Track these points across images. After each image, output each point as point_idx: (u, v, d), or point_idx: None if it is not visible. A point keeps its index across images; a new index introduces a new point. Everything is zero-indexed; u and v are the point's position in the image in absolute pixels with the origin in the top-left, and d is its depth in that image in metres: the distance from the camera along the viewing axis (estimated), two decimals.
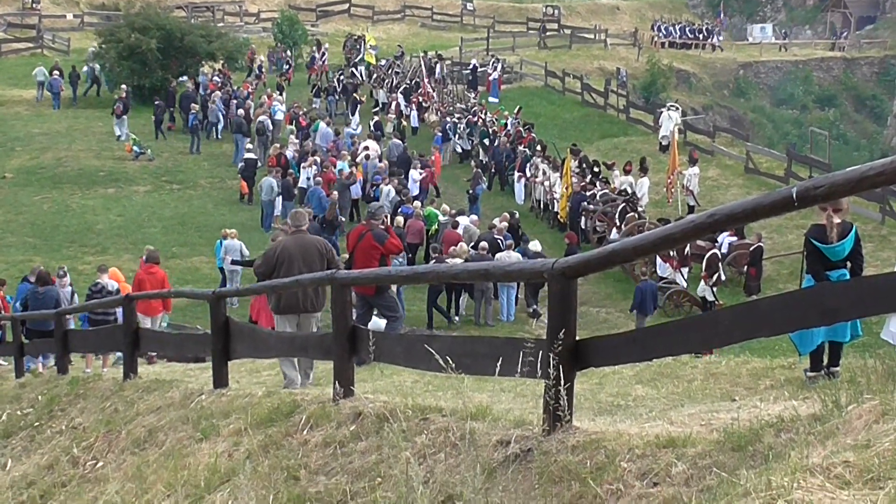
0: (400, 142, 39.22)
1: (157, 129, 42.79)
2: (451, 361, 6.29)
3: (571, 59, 58.83)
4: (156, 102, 43.68)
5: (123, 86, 45.18)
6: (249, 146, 37.19)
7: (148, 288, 17.93)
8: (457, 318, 23.93)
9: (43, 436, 11.39)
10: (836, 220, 8.66)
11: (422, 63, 51.76)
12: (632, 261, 19.29)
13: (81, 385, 12.79)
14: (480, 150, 39.95)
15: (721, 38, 68.50)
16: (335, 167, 33.92)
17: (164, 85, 46.65)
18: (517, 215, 29.09)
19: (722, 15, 73.33)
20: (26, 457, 10.88)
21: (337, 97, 48.47)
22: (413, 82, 49.72)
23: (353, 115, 44.96)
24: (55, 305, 18.20)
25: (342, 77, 50.62)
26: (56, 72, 47.97)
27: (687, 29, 68.42)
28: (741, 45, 69.85)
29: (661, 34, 66.58)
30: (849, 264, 8.78)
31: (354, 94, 47.95)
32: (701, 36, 67.81)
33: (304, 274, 10.71)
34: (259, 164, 36.05)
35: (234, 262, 24.03)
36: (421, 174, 33.72)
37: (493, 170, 38.38)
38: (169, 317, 21.16)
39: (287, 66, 56.16)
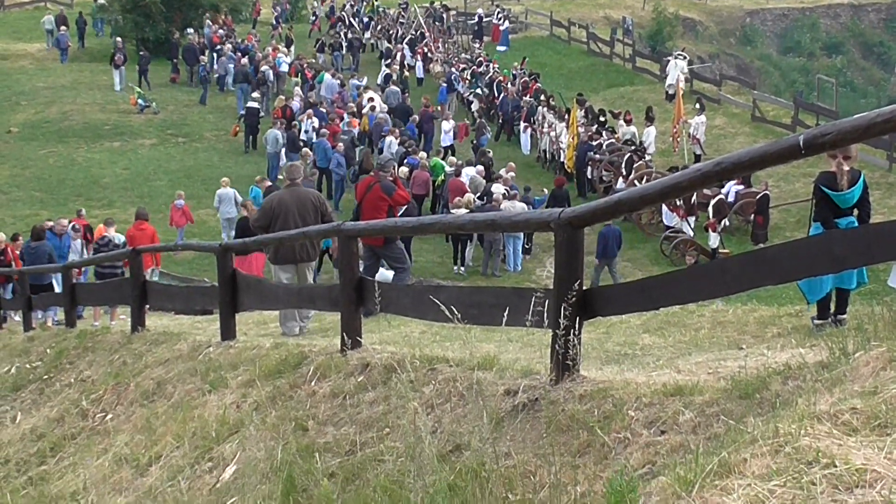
0: (397, 89, 39.16)
1: (141, 78, 42.94)
2: (458, 312, 6.29)
3: (577, 9, 58.38)
4: (140, 53, 43.98)
5: (118, 38, 45.18)
6: (255, 95, 37.27)
7: (139, 244, 18.07)
8: (462, 270, 23.98)
9: (52, 389, 11.46)
10: (846, 167, 8.62)
11: (419, 16, 51.53)
12: (638, 210, 19.27)
13: (90, 338, 12.84)
14: (475, 100, 39.81)
15: None
16: (341, 119, 33.88)
17: (168, 38, 46.51)
18: (490, 154, 29.15)
19: None
20: (36, 410, 10.94)
21: (342, 52, 48.16)
22: (418, 33, 49.45)
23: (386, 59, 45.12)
24: (48, 260, 18.33)
25: (348, 32, 50.25)
26: (63, 27, 47.87)
27: None
28: None
29: None
30: (856, 212, 8.76)
31: (388, 45, 47.70)
32: None
33: (299, 225, 11.33)
34: (262, 114, 36.04)
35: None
36: (452, 124, 33.65)
37: (499, 120, 38.26)
38: (159, 271, 21.34)
39: (314, 17, 55.89)
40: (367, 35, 52.26)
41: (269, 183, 26.22)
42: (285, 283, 11.49)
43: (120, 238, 19.65)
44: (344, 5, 57.41)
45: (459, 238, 23.80)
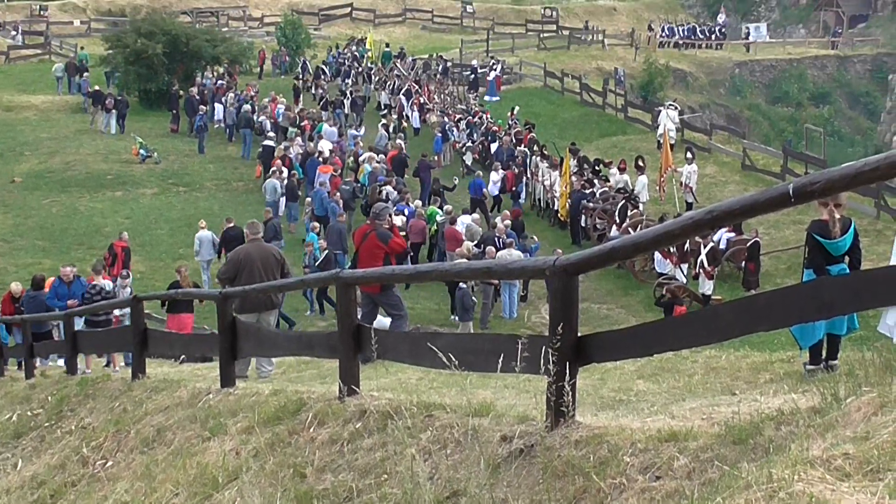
0: (385, 132, 39.61)
1: (119, 123, 44.66)
2: (454, 358, 6.35)
3: (570, 60, 58.90)
4: (118, 98, 45.63)
5: (97, 87, 46.41)
6: (271, 134, 38.82)
7: None
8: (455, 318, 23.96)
9: (53, 436, 11.44)
10: (838, 215, 8.72)
11: (399, 67, 51.97)
12: (632, 257, 19.38)
13: (91, 385, 12.83)
14: (468, 152, 40.11)
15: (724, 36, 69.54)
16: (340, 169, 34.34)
17: (169, 89, 47.02)
18: (447, 186, 31.52)
19: (724, 16, 73.88)
20: (37, 457, 10.93)
21: (346, 111, 47.72)
22: (407, 85, 49.53)
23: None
24: (46, 309, 18.34)
25: (351, 90, 49.94)
26: (86, 73, 49.69)
27: (698, 29, 69.46)
28: (736, 43, 70.09)
29: (664, 34, 67.40)
30: (847, 258, 8.85)
31: (386, 96, 47.78)
32: (713, 36, 68.79)
33: (264, 277, 12.46)
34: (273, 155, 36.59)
35: None
36: (501, 174, 33.86)
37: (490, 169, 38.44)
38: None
39: (354, 61, 55.98)
40: (370, 87, 52.65)
41: (231, 224, 26.51)
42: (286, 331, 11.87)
43: (109, 285, 19.72)
44: (341, 53, 57.54)
45: (457, 286, 23.83)
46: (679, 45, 66.30)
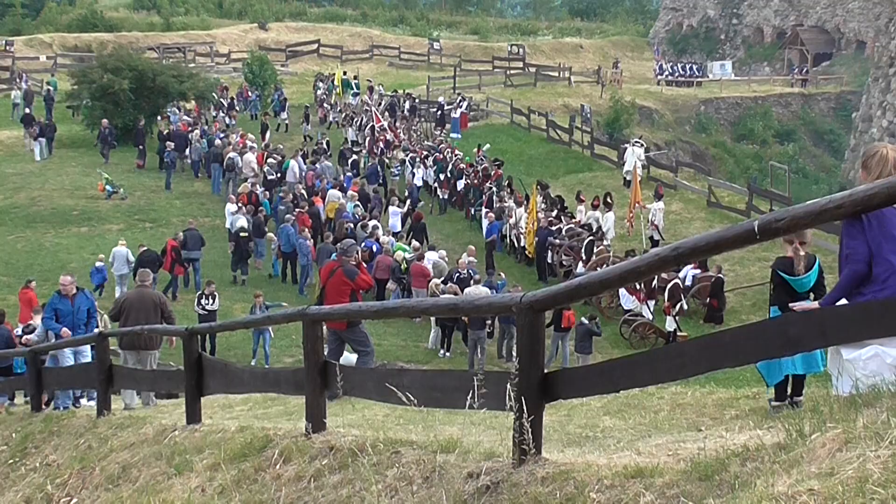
0: (329, 164, 40.39)
1: (49, 145, 45.48)
2: (421, 395, 6.34)
3: (536, 97, 59.17)
4: (47, 123, 46.79)
5: (27, 110, 48.12)
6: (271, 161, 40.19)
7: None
8: (447, 354, 23.94)
9: (17, 473, 11.33)
10: (802, 252, 8.79)
11: (365, 103, 52.13)
12: (598, 294, 19.42)
13: (55, 422, 12.75)
14: (437, 185, 40.25)
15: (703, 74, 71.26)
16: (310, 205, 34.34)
17: (136, 124, 46.86)
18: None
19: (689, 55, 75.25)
20: (0, 494, 10.80)
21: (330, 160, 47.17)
22: (369, 117, 49.49)
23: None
24: (4, 344, 18.06)
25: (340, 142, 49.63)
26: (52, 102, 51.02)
27: (691, 67, 71.66)
28: (702, 81, 70.97)
29: (663, 73, 68.92)
30: (812, 296, 8.91)
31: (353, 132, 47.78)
32: (700, 74, 70.70)
33: (140, 319, 14.54)
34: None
35: None
36: (400, 210, 33.93)
37: (458, 206, 38.54)
38: None
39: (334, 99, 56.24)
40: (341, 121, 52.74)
41: (144, 248, 28.89)
42: (132, 364, 14.55)
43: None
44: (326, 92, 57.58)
45: (445, 324, 23.84)
46: (680, 84, 67.84)
